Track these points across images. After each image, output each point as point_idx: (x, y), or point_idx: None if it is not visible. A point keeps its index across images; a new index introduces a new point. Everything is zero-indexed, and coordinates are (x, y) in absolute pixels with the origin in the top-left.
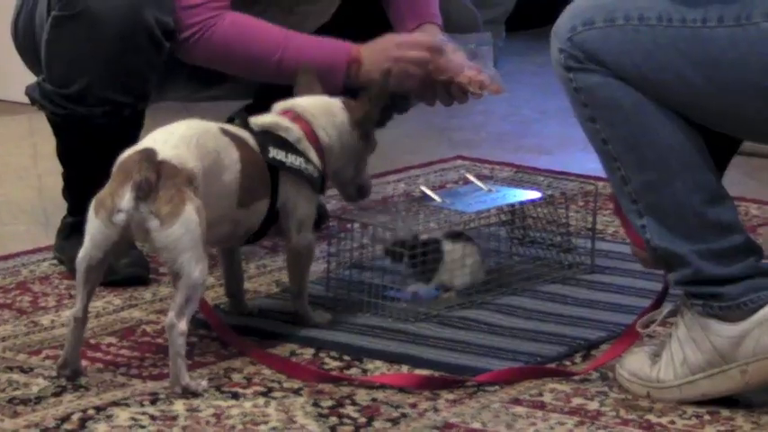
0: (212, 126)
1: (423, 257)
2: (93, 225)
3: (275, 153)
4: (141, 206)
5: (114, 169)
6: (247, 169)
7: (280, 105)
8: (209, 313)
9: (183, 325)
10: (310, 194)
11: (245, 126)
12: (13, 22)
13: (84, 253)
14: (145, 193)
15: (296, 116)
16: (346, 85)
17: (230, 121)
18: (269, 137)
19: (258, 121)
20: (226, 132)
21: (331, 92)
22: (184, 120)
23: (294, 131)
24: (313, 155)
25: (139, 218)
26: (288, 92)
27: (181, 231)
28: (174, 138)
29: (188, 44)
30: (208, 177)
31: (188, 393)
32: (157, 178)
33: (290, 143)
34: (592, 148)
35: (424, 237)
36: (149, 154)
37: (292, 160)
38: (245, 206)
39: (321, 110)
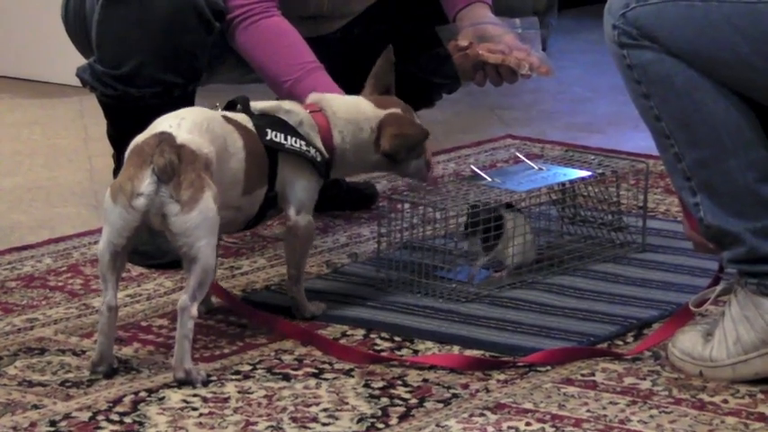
0: (216, 113)
1: (485, 225)
2: (113, 212)
3: (273, 135)
4: (162, 190)
5: (129, 154)
6: (250, 157)
7: (312, 97)
8: (241, 306)
9: (194, 309)
10: (312, 177)
11: (246, 109)
12: (64, 5)
13: (105, 242)
14: (168, 176)
15: (318, 110)
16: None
17: (232, 104)
18: (267, 119)
19: (259, 105)
20: (228, 120)
21: None
22: (188, 107)
23: (296, 114)
24: (317, 141)
25: (159, 201)
26: (335, 75)
27: (200, 218)
28: (187, 123)
29: (230, 27)
30: (218, 163)
31: (189, 380)
32: (179, 161)
33: (291, 126)
34: (643, 125)
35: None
36: (168, 137)
37: (292, 142)
38: (249, 193)
39: (348, 116)
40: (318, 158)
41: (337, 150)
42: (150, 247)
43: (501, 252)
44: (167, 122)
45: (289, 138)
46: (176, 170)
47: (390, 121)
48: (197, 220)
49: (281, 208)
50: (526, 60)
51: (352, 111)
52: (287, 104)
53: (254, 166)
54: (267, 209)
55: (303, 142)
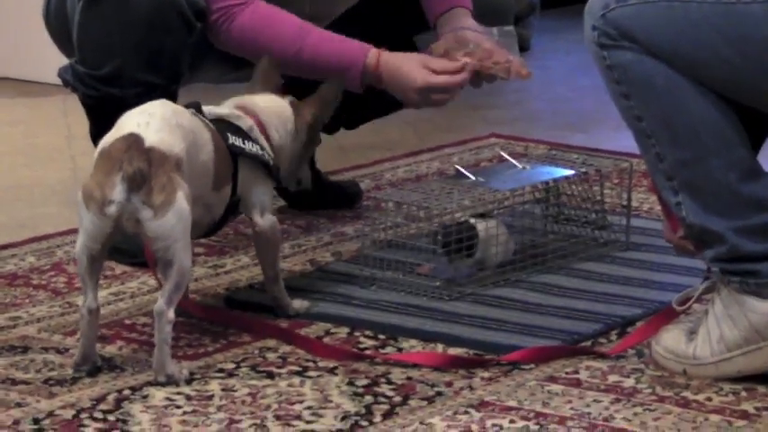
0: (180, 107)
1: (458, 236)
2: (86, 217)
3: (234, 140)
4: (133, 196)
5: (97, 156)
6: (218, 152)
7: (234, 100)
8: (220, 314)
9: (171, 313)
10: (267, 180)
11: (200, 114)
12: (45, 5)
13: (81, 246)
14: (138, 184)
15: (249, 112)
16: (364, 82)
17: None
18: (224, 125)
19: (212, 110)
20: (194, 114)
21: (350, 89)
22: (155, 100)
23: (246, 120)
24: (265, 144)
25: (132, 208)
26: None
27: (174, 220)
28: (156, 120)
29: (213, 28)
30: (189, 157)
31: (172, 382)
32: (149, 167)
33: (244, 131)
34: (625, 125)
35: (456, 219)
36: (137, 141)
37: (250, 147)
38: (218, 189)
39: (275, 112)
40: (271, 162)
41: (276, 147)
42: (131, 245)
43: (478, 257)
44: (135, 120)
45: (246, 143)
46: (146, 177)
47: (298, 105)
48: (171, 223)
49: (240, 213)
50: (504, 65)
51: (275, 106)
52: (235, 111)
53: (221, 162)
54: (229, 214)
55: (258, 147)
